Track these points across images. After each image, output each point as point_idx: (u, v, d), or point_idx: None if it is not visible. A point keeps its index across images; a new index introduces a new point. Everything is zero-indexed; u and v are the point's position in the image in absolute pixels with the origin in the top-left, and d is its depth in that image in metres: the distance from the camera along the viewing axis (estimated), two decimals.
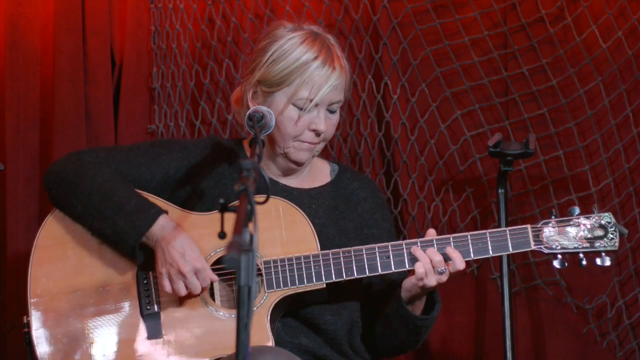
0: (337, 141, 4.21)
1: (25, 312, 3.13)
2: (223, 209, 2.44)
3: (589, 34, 3.98)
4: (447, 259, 3.05)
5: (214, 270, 3.08)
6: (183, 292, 3.05)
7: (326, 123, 3.16)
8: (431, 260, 3.04)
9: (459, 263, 3.05)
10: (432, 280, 3.05)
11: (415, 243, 3.08)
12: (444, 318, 4.14)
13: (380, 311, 3.23)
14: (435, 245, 3.08)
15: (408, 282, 3.11)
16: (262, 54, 3.18)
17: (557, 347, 4.07)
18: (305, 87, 3.12)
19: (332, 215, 3.24)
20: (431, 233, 3.11)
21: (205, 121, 4.30)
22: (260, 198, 2.45)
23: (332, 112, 3.18)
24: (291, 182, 3.27)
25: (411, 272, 3.09)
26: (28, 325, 3.13)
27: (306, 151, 3.18)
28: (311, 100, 3.12)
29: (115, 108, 4.31)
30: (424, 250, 3.06)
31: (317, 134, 3.16)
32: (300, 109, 3.13)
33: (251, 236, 2.28)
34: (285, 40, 3.16)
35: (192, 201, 3.21)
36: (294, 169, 3.24)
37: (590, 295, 4.04)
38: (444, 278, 3.06)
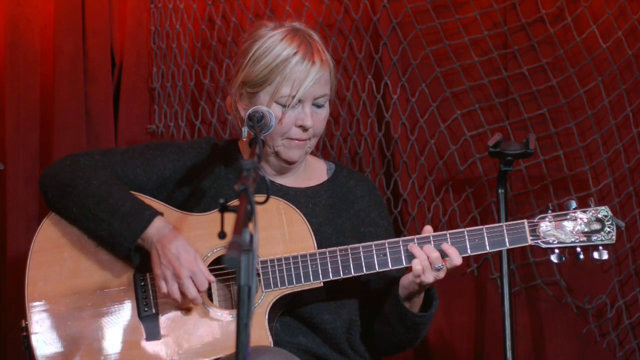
0: (337, 141, 4.21)
1: (24, 314, 3.14)
2: (223, 209, 2.44)
3: (589, 34, 3.98)
4: (443, 255, 3.06)
5: (211, 270, 3.08)
6: (177, 294, 3.04)
7: (313, 118, 3.16)
8: (428, 256, 3.05)
9: (456, 259, 3.05)
10: (429, 277, 3.05)
11: (412, 240, 3.08)
12: (444, 318, 4.14)
13: (378, 309, 3.23)
14: (432, 241, 3.08)
15: (405, 280, 3.11)
16: (244, 55, 3.19)
17: (557, 347, 4.07)
18: (286, 84, 3.12)
19: (329, 214, 3.24)
20: (428, 230, 3.11)
21: (205, 121, 4.30)
22: (260, 198, 2.46)
23: (318, 106, 3.18)
24: (287, 181, 3.27)
25: (408, 270, 3.09)
26: (26, 328, 3.13)
27: (296, 149, 3.17)
28: (293, 97, 3.12)
29: (115, 108, 4.31)
30: (421, 247, 3.06)
31: (304, 129, 3.15)
32: (284, 106, 3.13)
33: (251, 236, 2.28)
34: (266, 38, 3.16)
35: (188, 202, 3.21)
36: (288, 168, 3.24)
37: (590, 295, 4.03)
38: (442, 274, 3.06)
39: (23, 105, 4.21)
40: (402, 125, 4.16)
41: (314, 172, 3.32)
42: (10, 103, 4.19)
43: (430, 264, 3.05)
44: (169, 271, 3.03)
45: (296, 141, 3.16)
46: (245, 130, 3.15)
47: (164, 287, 3.05)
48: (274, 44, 3.14)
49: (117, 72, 4.31)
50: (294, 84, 3.12)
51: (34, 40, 4.21)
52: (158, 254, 3.04)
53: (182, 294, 3.05)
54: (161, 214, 3.09)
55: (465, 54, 4.11)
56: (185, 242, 3.05)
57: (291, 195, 3.22)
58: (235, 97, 3.21)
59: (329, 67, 3.17)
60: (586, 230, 3.07)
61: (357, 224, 3.26)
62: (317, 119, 3.17)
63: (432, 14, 4.12)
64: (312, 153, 3.32)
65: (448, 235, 3.09)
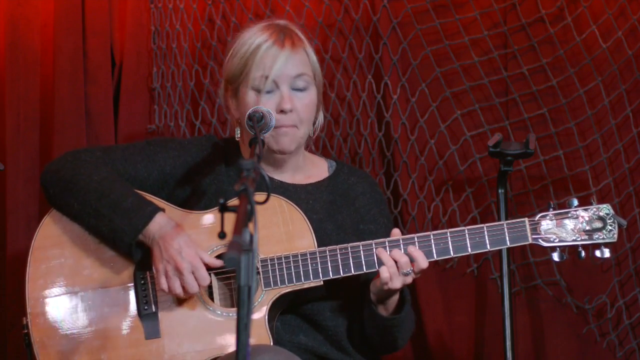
0: (337, 141, 4.21)
1: (24, 313, 3.14)
2: (223, 208, 2.44)
3: (589, 34, 3.98)
4: (411, 259, 3.05)
5: (211, 269, 3.08)
6: (179, 289, 3.05)
7: (294, 102, 3.16)
8: (397, 261, 3.03)
9: (423, 262, 3.04)
10: (397, 283, 3.04)
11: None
12: (444, 318, 4.14)
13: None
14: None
15: (374, 286, 3.10)
16: (226, 55, 3.24)
17: (557, 347, 4.07)
18: (258, 68, 3.14)
19: (329, 210, 3.24)
20: (395, 233, 3.10)
21: (205, 121, 4.30)
22: (260, 197, 2.45)
23: (299, 89, 3.18)
24: (286, 177, 3.27)
25: (377, 275, 3.08)
26: (27, 326, 3.13)
27: (284, 136, 3.16)
28: (266, 78, 3.13)
29: (115, 108, 4.31)
30: (389, 251, 3.05)
31: (285, 112, 3.14)
32: (258, 90, 3.14)
33: (251, 236, 2.28)
34: (244, 34, 3.21)
35: (189, 200, 3.22)
36: (283, 159, 3.23)
37: (590, 295, 4.03)
38: (409, 280, 3.05)
39: (23, 105, 4.21)
40: (402, 125, 4.16)
41: (314, 170, 3.32)
42: (10, 103, 4.19)
43: (399, 269, 3.04)
44: (171, 266, 3.04)
45: (283, 129, 3.16)
46: (238, 130, 3.17)
47: (164, 283, 3.05)
48: (250, 37, 3.18)
49: (117, 72, 4.31)
50: (265, 67, 3.14)
51: (34, 40, 4.21)
52: (160, 249, 3.05)
53: (184, 289, 3.05)
54: (163, 210, 3.09)
55: (465, 54, 4.11)
56: (188, 237, 3.06)
57: (291, 192, 3.22)
58: (225, 98, 3.24)
59: (303, 48, 3.19)
60: (588, 228, 3.07)
61: (357, 220, 3.26)
62: (300, 103, 3.17)
63: (432, 14, 4.12)
64: (312, 152, 3.32)
65: (448, 233, 3.08)
